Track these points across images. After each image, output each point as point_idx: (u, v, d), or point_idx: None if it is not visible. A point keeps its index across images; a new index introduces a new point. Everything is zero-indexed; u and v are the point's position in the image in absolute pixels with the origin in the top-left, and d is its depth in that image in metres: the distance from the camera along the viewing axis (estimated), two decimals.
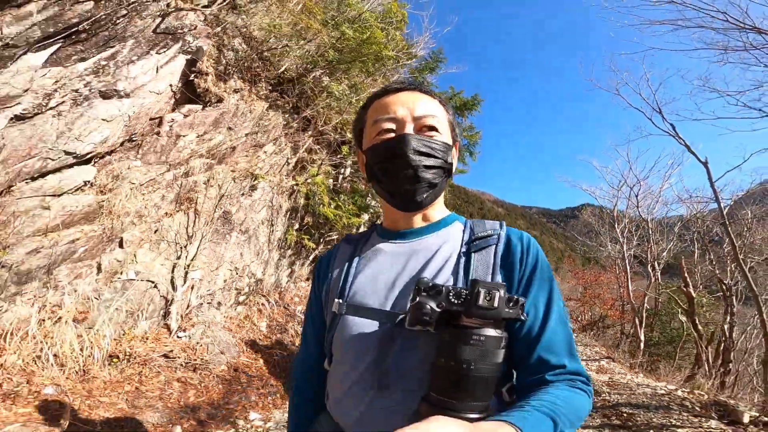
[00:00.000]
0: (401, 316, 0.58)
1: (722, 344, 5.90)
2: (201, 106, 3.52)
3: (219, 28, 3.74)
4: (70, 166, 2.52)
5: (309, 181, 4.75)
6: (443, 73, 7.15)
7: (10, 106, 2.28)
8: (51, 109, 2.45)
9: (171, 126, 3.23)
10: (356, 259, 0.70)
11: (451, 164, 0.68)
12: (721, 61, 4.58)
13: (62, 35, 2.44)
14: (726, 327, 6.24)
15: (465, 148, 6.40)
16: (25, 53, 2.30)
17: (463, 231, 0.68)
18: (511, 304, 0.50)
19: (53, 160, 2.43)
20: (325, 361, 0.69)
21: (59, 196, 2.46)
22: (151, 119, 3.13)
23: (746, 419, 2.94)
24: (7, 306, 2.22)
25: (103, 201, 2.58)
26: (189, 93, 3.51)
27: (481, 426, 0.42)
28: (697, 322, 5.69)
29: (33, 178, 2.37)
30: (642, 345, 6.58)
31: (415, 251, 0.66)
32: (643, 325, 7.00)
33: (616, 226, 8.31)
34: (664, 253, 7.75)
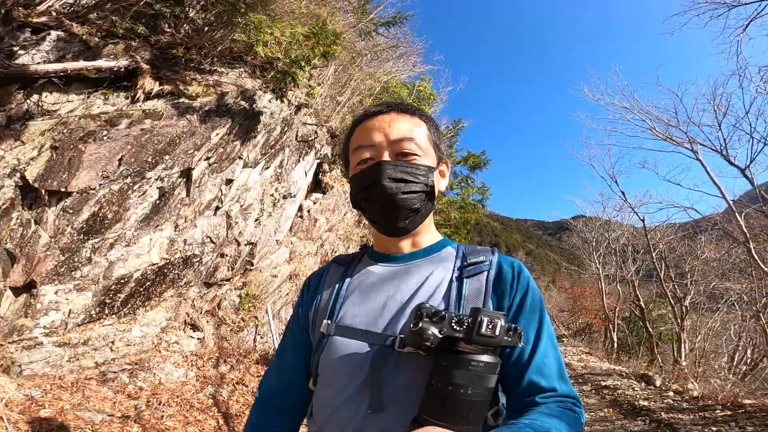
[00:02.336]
0: (392, 339, 0.58)
1: (676, 342, 7.94)
2: (323, 195, 5.75)
3: (330, 136, 6.01)
4: (278, 248, 4.71)
5: None
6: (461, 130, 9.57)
7: (251, 213, 4.49)
8: (266, 212, 4.67)
9: (309, 211, 5.46)
10: (347, 281, 0.69)
11: (433, 186, 0.67)
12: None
13: (268, 154, 4.64)
14: (677, 329, 8.28)
15: (478, 202, 8.60)
16: (253, 167, 4.54)
17: (456, 257, 0.68)
18: (510, 333, 0.50)
19: (271, 245, 4.63)
20: (309, 381, 0.68)
21: (275, 267, 4.65)
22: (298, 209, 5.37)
23: (658, 383, 4.98)
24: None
25: (295, 268, 4.79)
26: (313, 184, 5.76)
27: None
28: (648, 326, 7.79)
29: (264, 257, 4.58)
30: (615, 345, 8.70)
31: (407, 275, 0.66)
32: (616, 329, 9.15)
33: (594, 253, 10.62)
34: (630, 274, 9.91)
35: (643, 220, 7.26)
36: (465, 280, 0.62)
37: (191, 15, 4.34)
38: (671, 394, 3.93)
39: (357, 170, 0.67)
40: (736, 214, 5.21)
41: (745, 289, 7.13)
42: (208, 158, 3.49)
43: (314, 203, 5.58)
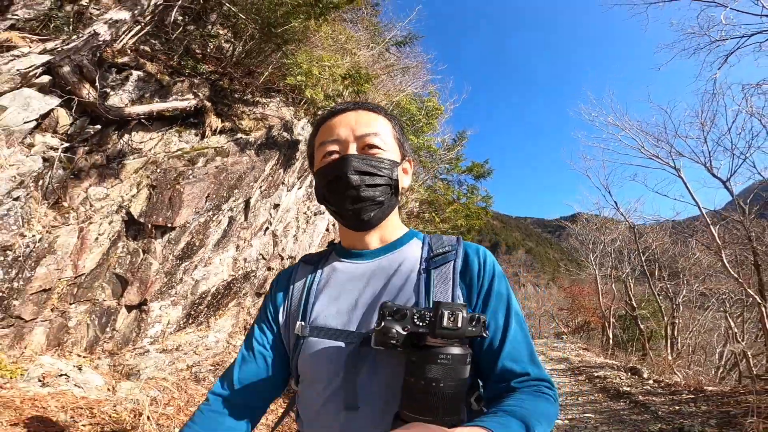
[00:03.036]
0: (366, 337, 0.58)
1: (666, 338, 8.60)
2: None
3: None
4: None
5: None
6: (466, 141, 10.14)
7: (290, 230, 5.01)
8: (301, 228, 5.19)
9: (334, 224, 5.97)
10: (316, 280, 0.69)
11: (397, 180, 0.68)
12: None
13: (302, 177, 5.17)
14: (669, 326, 8.95)
15: (482, 209, 9.17)
16: (290, 190, 5.06)
17: (422, 248, 0.68)
18: (473, 323, 0.51)
19: None
20: (291, 381, 0.69)
21: None
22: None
23: (645, 375, 5.61)
24: None
25: None
26: None
27: (457, 431, 0.43)
28: (639, 324, 8.46)
29: None
30: (611, 341, 9.37)
31: (375, 270, 0.67)
32: (611, 326, 9.83)
33: (590, 255, 11.28)
34: (624, 275, 10.58)
35: (633, 228, 7.90)
36: (432, 271, 0.63)
37: (235, 48, 4.83)
38: (651, 382, 4.59)
39: (323, 163, 0.67)
40: (710, 225, 5.84)
41: (723, 291, 7.80)
42: (261, 187, 4.01)
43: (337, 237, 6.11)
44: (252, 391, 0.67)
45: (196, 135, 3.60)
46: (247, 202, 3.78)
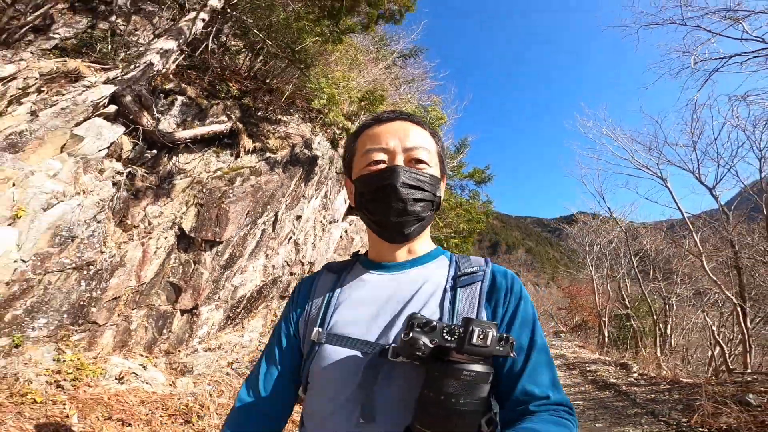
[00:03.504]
0: (385, 348, 0.57)
1: (656, 336, 9.07)
2: (357, 216, 6.66)
3: None
4: None
5: None
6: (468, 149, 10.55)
7: (309, 238, 5.41)
8: (318, 236, 5.59)
9: (347, 231, 6.37)
10: (338, 289, 0.69)
11: (440, 198, 0.69)
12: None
13: (319, 189, 5.57)
14: (661, 325, 9.41)
15: (483, 214, 9.60)
16: (309, 201, 5.46)
17: (449, 266, 0.68)
18: (501, 342, 0.51)
19: (323, 263, 5.54)
20: (299, 388, 0.68)
21: None
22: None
23: (634, 369, 6.03)
24: None
25: None
26: (349, 208, 6.67)
27: None
28: (633, 322, 8.93)
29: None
30: (606, 339, 9.85)
31: (400, 283, 0.66)
32: (607, 325, 10.32)
33: (587, 256, 11.75)
34: (620, 276, 11.05)
35: (626, 232, 8.36)
36: (459, 289, 0.63)
37: (253, 64, 5.20)
38: (636, 375, 5.06)
39: (368, 171, 0.66)
40: (693, 233, 6.28)
41: (715, 292, 8.24)
42: (286, 201, 4.40)
43: (350, 225, 6.50)
44: (276, 399, 0.68)
45: (231, 155, 3.98)
46: (276, 216, 4.18)
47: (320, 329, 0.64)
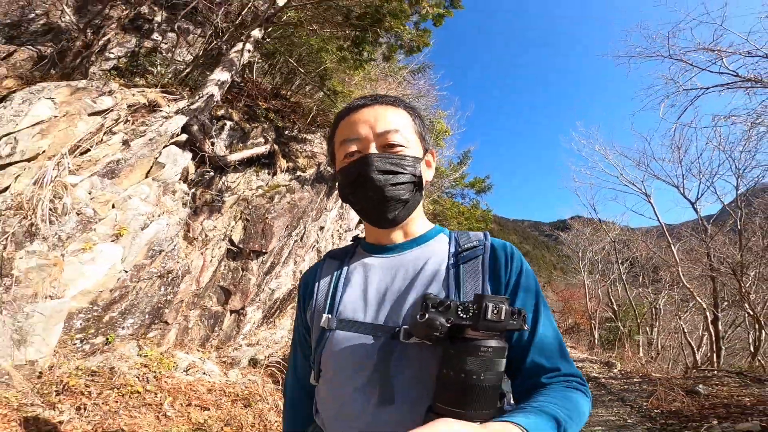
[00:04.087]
0: (396, 330, 0.58)
1: (640, 336, 9.77)
2: None
3: None
4: None
5: None
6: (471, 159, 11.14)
7: (328, 246, 5.92)
8: (335, 244, 6.10)
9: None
10: (343, 274, 0.69)
11: (421, 176, 0.68)
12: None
13: (337, 200, 6.06)
14: (648, 328, 10.09)
15: (482, 222, 10.18)
16: (329, 212, 5.98)
17: (449, 243, 0.68)
18: (514, 316, 0.51)
19: None
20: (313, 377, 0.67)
21: None
22: None
23: (617, 367, 6.63)
24: None
25: None
26: None
27: (486, 427, 0.43)
28: (620, 325, 9.59)
29: None
30: (596, 341, 10.52)
31: (403, 264, 0.67)
32: (597, 328, 11.00)
33: (580, 263, 12.46)
34: (609, 281, 11.72)
35: (614, 242, 9.04)
36: (461, 266, 0.63)
37: (275, 80, 5.72)
38: (615, 371, 5.67)
39: (344, 163, 0.67)
40: (671, 245, 6.92)
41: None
42: (312, 214, 4.93)
43: (361, 232, 7.02)
44: (307, 391, 0.73)
45: (269, 173, 4.50)
46: (304, 227, 4.70)
47: (329, 315, 0.65)
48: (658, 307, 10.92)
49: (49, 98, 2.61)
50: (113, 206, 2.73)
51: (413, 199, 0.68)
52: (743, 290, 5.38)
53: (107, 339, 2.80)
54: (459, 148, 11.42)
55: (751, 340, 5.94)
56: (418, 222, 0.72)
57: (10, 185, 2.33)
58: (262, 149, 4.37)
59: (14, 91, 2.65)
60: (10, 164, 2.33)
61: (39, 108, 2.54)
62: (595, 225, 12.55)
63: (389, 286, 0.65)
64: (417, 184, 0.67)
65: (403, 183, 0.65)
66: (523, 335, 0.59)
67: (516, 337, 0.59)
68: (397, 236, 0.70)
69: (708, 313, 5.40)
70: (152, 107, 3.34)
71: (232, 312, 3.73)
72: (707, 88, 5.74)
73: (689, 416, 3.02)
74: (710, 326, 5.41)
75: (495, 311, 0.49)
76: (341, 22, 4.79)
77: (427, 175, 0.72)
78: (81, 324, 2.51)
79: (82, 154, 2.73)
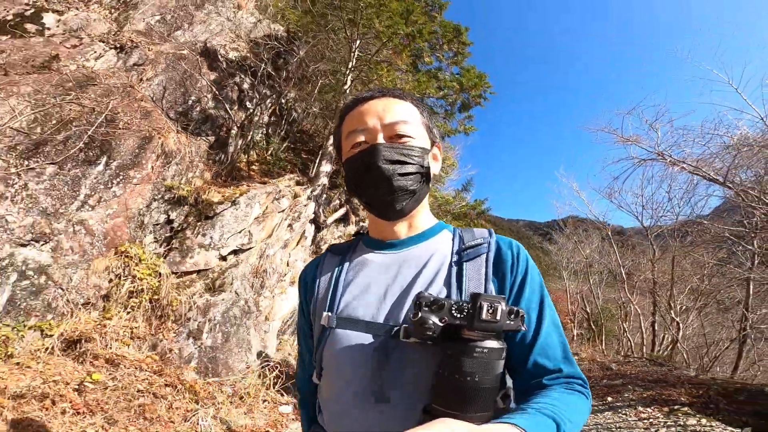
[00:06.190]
0: (396, 329, 0.58)
1: (604, 335, 12.20)
2: None
3: None
4: None
5: None
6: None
7: None
8: None
9: None
10: (344, 271, 0.69)
11: (429, 168, 0.68)
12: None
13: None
14: (624, 325, 12.50)
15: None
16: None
17: (453, 240, 0.68)
18: (512, 316, 0.51)
19: None
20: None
21: None
22: None
23: (583, 356, 8.95)
24: None
25: None
26: None
27: (484, 428, 0.43)
28: (592, 326, 12.00)
29: None
30: (575, 338, 12.97)
31: (405, 261, 0.66)
32: (577, 327, 13.43)
33: (564, 271, 14.87)
34: (587, 288, 14.12)
35: (587, 259, 11.47)
36: (464, 263, 0.63)
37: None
38: (585, 363, 7.94)
39: (351, 154, 0.68)
40: (621, 266, 9.22)
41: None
42: None
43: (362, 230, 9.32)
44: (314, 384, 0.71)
45: (344, 226, 6.77)
46: None
47: (329, 313, 0.65)
48: (628, 309, 13.30)
49: (258, 202, 4.87)
50: (287, 264, 5.01)
51: (421, 191, 0.68)
52: (670, 301, 7.70)
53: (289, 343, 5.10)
54: (462, 162, 13.63)
55: (670, 339, 8.32)
56: (424, 215, 0.73)
57: (250, 260, 4.61)
58: (342, 211, 6.64)
59: (239, 196, 4.91)
60: (251, 248, 4.60)
61: (255, 209, 4.80)
62: (587, 224, 14.71)
63: (390, 283, 0.65)
64: (425, 175, 0.68)
65: (411, 173, 0.66)
66: (527, 335, 0.60)
67: (519, 337, 0.59)
68: (402, 229, 0.71)
69: (640, 317, 7.75)
70: (294, 194, 5.62)
71: None
72: (643, 160, 8.07)
73: (596, 379, 5.36)
74: (651, 328, 7.76)
75: (490, 311, 0.49)
76: None
77: (434, 168, 0.73)
78: (280, 335, 4.80)
79: (269, 236, 5.00)
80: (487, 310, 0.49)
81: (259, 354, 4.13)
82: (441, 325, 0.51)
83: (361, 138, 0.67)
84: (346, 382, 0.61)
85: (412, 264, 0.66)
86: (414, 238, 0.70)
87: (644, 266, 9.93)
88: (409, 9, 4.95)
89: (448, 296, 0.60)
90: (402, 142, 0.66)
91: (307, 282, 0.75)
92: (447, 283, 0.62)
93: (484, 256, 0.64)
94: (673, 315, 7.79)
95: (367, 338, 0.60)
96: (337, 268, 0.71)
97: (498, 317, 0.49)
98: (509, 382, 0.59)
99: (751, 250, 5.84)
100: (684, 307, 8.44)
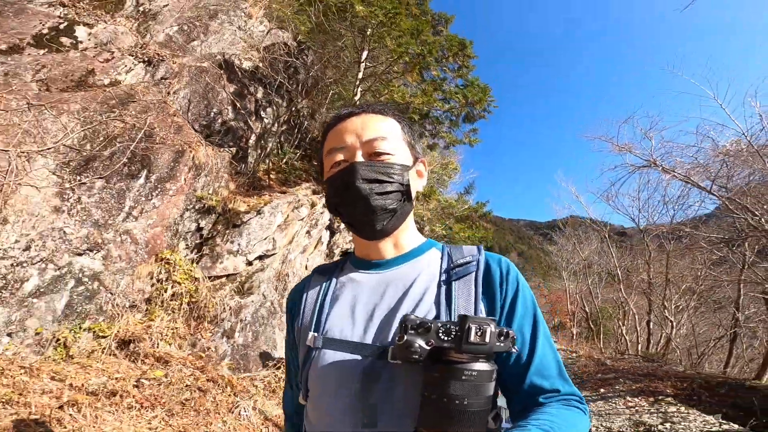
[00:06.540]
0: (383, 350, 0.57)
1: (602, 334, 12.59)
2: None
3: None
4: None
5: None
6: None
7: None
8: None
9: None
10: (330, 291, 0.69)
11: (409, 185, 0.67)
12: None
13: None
14: (622, 324, 12.89)
15: (477, 240, 12.84)
16: None
17: (441, 258, 0.67)
18: (501, 338, 0.50)
19: None
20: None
21: None
22: None
23: (581, 353, 9.32)
24: None
25: None
26: None
27: None
28: (590, 324, 12.39)
29: None
30: (574, 337, 13.33)
31: (392, 281, 0.66)
32: (576, 326, 13.82)
33: (563, 272, 15.24)
34: (586, 288, 14.52)
35: (585, 260, 11.86)
36: (453, 282, 0.62)
37: None
38: (575, 356, 8.32)
39: (330, 173, 0.68)
40: (617, 268, 9.57)
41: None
42: None
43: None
44: (300, 413, 0.70)
45: None
46: None
47: (315, 333, 0.64)
48: (626, 309, 13.67)
49: (280, 212, 5.21)
50: (306, 267, 5.35)
51: (401, 209, 0.67)
52: (664, 301, 8.07)
53: None
54: (465, 167, 14.02)
55: (664, 337, 8.72)
56: (409, 234, 0.72)
57: (274, 264, 4.95)
58: None
59: (264, 205, 5.25)
60: (275, 254, 4.94)
61: (278, 218, 5.13)
62: (586, 224, 15.06)
63: (378, 303, 0.64)
64: (405, 193, 0.67)
65: (389, 192, 0.65)
66: (521, 356, 0.59)
67: (514, 358, 0.59)
68: (387, 249, 0.70)
69: (646, 317, 8.19)
70: (312, 203, 5.96)
71: None
72: (638, 167, 8.43)
73: (591, 373, 5.73)
74: (647, 325, 8.18)
75: (479, 333, 0.48)
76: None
77: (417, 185, 0.72)
78: None
79: (290, 242, 5.33)
80: (476, 333, 0.48)
81: None
82: (428, 348, 0.50)
83: (341, 156, 0.67)
84: (331, 403, 0.60)
85: (399, 284, 0.66)
86: (400, 257, 0.70)
87: (641, 267, 10.32)
88: (419, 29, 5.26)
89: (437, 316, 0.60)
90: (381, 159, 0.66)
91: (294, 303, 0.75)
92: (436, 303, 0.61)
93: (473, 275, 0.63)
94: (667, 314, 8.18)
95: (353, 359, 0.60)
96: (323, 288, 0.71)
97: (487, 339, 0.49)
98: (501, 402, 0.59)
99: (738, 254, 6.21)
100: (680, 307, 8.84)
